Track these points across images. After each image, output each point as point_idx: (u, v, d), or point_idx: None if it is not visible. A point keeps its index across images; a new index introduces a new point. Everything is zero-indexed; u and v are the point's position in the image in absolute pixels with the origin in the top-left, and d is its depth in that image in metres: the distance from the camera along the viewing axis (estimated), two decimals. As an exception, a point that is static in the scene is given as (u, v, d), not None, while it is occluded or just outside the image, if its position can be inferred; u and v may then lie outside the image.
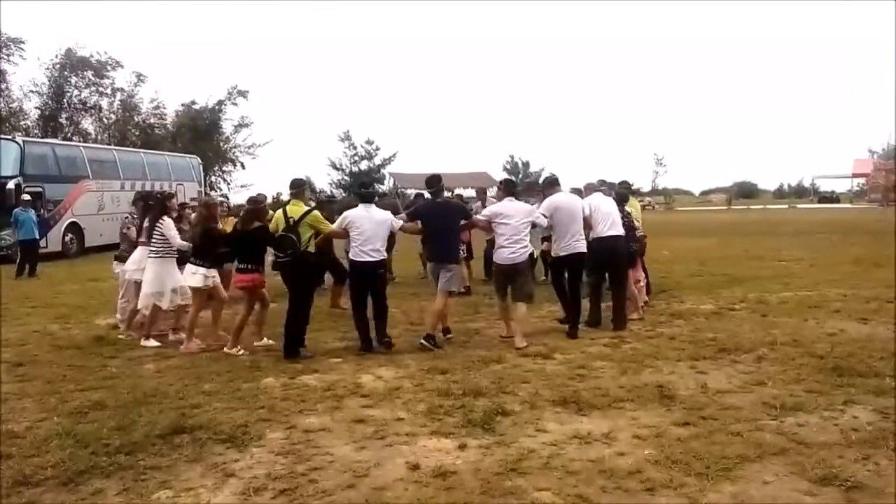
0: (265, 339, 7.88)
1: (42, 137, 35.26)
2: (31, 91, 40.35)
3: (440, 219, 7.86)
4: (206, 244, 7.82)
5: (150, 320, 8.17)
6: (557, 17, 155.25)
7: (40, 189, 20.98)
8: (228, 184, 50.44)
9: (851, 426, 4.75)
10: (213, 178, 47.49)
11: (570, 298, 8.41)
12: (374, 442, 4.73)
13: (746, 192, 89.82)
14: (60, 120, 41.38)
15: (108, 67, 41.79)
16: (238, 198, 46.00)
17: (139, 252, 8.47)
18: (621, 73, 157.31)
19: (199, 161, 33.13)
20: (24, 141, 22.56)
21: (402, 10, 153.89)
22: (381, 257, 7.58)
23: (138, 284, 8.31)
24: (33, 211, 17.54)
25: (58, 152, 24.02)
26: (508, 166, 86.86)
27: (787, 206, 57.22)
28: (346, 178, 73.57)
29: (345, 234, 7.66)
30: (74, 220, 22.65)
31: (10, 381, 6.58)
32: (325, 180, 75.76)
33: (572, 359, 6.87)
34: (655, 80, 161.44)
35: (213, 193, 43.16)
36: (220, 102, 47.63)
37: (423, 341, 7.49)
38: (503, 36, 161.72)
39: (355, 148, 73.06)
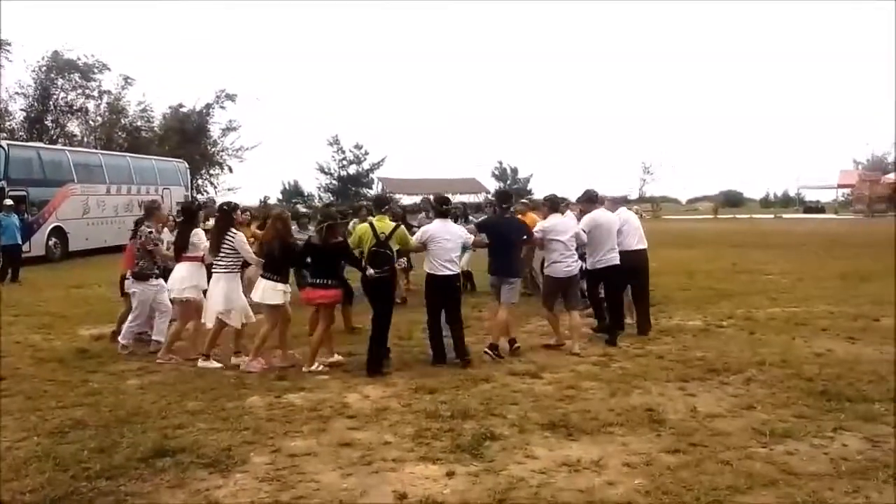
0: (336, 355, 7.71)
1: (28, 139, 34.93)
2: (17, 93, 39.98)
3: (505, 234, 8.05)
4: (285, 259, 7.62)
5: (211, 339, 7.68)
6: (547, 24, 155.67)
7: (24, 193, 20.75)
8: (216, 187, 50.25)
9: (841, 455, 4.73)
10: (200, 182, 47.25)
11: (610, 308, 8.79)
12: (361, 468, 4.66)
13: (733, 200, 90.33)
14: (46, 122, 41.00)
15: (95, 70, 41.45)
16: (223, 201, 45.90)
17: (185, 268, 7.95)
18: (610, 81, 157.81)
19: (186, 165, 32.92)
20: (8, 145, 22.31)
21: (392, 15, 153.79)
22: (458, 270, 7.72)
23: (188, 303, 7.97)
24: (16, 216, 17.34)
25: (42, 156, 23.77)
26: (497, 172, 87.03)
27: (772, 216, 57.56)
28: (334, 182, 73.47)
29: (423, 248, 7.69)
30: (59, 224, 22.42)
31: (-10, 396, 6.46)
32: (313, 184, 75.72)
33: (561, 378, 6.82)
34: (644, 87, 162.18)
35: (200, 197, 42.96)
36: (208, 106, 47.40)
37: (486, 350, 7.70)
38: (492, 42, 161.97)
39: (344, 152, 72.98)
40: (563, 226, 8.24)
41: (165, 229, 8.06)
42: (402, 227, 7.89)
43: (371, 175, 74.34)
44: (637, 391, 6.35)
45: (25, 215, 19.90)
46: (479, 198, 62.58)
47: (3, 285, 15.57)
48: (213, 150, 48.89)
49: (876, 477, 4.36)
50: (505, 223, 8.31)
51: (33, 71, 39.94)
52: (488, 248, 8.10)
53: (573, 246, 8.26)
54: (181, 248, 8.00)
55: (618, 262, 8.58)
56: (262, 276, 7.58)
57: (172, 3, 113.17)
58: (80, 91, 41.80)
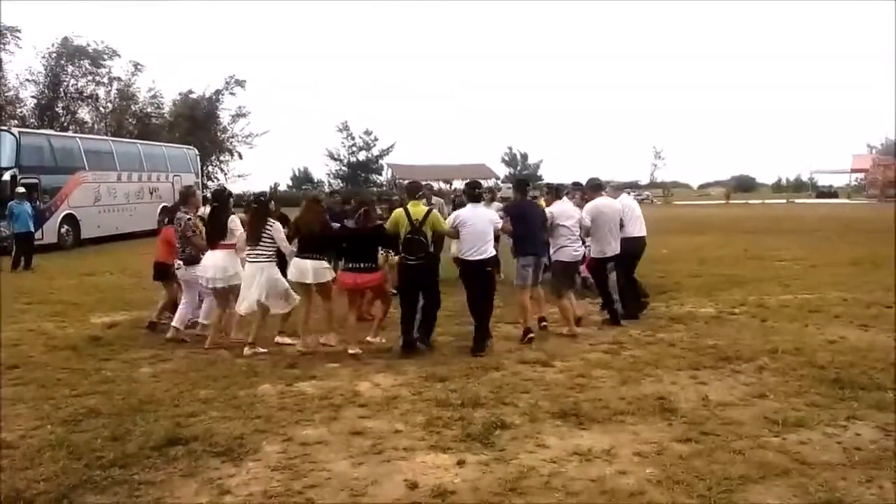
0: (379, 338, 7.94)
1: (38, 126, 35.10)
2: (28, 80, 40.26)
3: (532, 218, 8.20)
4: (323, 240, 7.76)
5: (259, 327, 7.70)
6: (556, 10, 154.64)
7: (36, 180, 20.84)
8: (226, 174, 50.46)
9: (854, 444, 4.70)
10: (210, 168, 47.40)
11: (622, 290, 9.04)
12: (372, 457, 4.67)
13: (745, 185, 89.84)
14: (57, 109, 41.25)
15: (105, 56, 41.69)
16: (234, 188, 46.08)
17: (223, 255, 7.90)
18: (621, 66, 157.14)
19: (196, 152, 32.99)
20: (20, 132, 22.40)
21: (406, 5, 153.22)
22: (492, 254, 7.72)
23: (227, 290, 7.97)
24: (28, 203, 17.40)
25: (54, 143, 23.86)
26: (507, 158, 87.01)
27: (785, 201, 57.17)
28: (343, 168, 73.51)
29: (457, 233, 7.72)
30: (70, 211, 22.51)
31: (4, 384, 6.51)
32: (322, 171, 75.81)
33: (572, 366, 6.80)
34: (655, 73, 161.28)
35: (210, 184, 43.10)
36: (218, 92, 47.66)
37: (540, 326, 8.22)
38: (502, 28, 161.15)
39: (353, 138, 72.98)
40: (569, 211, 8.50)
41: (277, 222, 7.90)
42: (436, 211, 7.95)
43: (380, 161, 74.32)
44: (648, 379, 6.32)
45: (37, 203, 20.00)
46: (489, 183, 62.62)
47: (16, 273, 15.68)
48: (222, 136, 49.10)
49: (889, 466, 4.33)
50: (530, 208, 8.42)
51: (43, 58, 40.16)
52: (516, 233, 8.13)
53: (577, 231, 8.50)
54: (219, 234, 7.93)
55: (618, 249, 8.86)
56: (305, 258, 7.63)
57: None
58: (90, 78, 42.08)
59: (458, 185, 64.29)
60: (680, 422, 5.20)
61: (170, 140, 37.12)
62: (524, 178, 8.77)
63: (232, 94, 47.98)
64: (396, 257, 7.80)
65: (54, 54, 40.20)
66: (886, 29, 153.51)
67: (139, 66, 43.23)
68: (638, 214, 9.43)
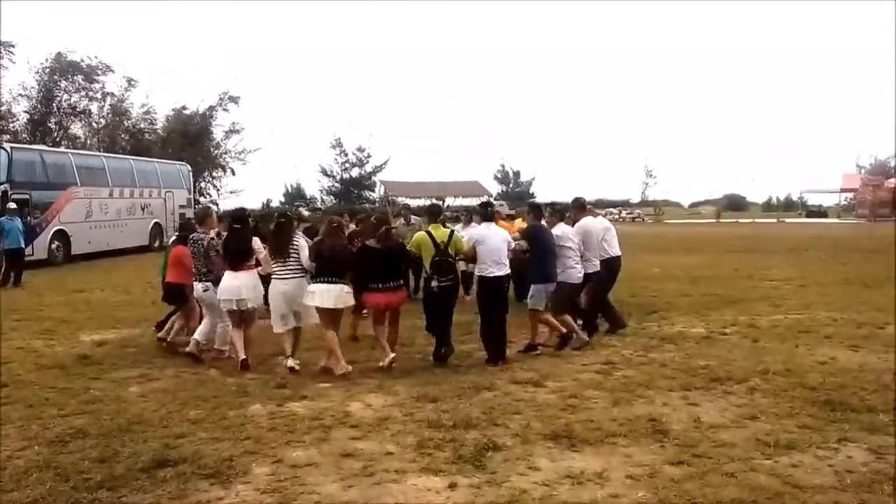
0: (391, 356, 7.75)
1: (31, 142, 34.95)
2: (21, 95, 40.05)
3: (548, 242, 8.31)
4: (345, 263, 7.67)
5: (294, 344, 7.77)
6: (549, 26, 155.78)
7: (27, 196, 20.73)
8: (218, 190, 50.36)
9: (846, 467, 4.69)
10: (202, 184, 47.31)
11: (593, 309, 9.28)
12: (363, 479, 4.63)
13: (735, 204, 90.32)
14: (49, 124, 41.05)
15: (99, 72, 41.53)
16: (227, 204, 46.04)
17: (247, 275, 7.80)
18: (612, 84, 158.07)
19: (189, 168, 32.93)
20: (11, 147, 22.29)
21: (394, 18, 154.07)
22: (508, 271, 7.88)
23: (249, 311, 7.89)
24: (19, 219, 17.31)
25: (46, 159, 23.74)
26: (500, 175, 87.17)
27: (775, 220, 57.50)
28: (336, 184, 73.51)
29: (474, 252, 7.83)
30: (62, 227, 22.37)
31: (-9, 404, 6.44)
32: (315, 187, 75.77)
33: (564, 387, 6.78)
34: (646, 91, 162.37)
35: (202, 200, 43.04)
36: (212, 108, 47.52)
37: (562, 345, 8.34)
38: (495, 45, 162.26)
39: (346, 155, 73.04)
40: (571, 232, 8.66)
41: (303, 238, 7.95)
42: (457, 234, 8.03)
43: (373, 178, 74.38)
44: (640, 400, 6.31)
45: (28, 218, 19.89)
46: (481, 200, 62.72)
47: (6, 289, 15.57)
48: (215, 152, 48.98)
49: (881, 490, 4.32)
50: (545, 232, 8.49)
51: (36, 73, 40.04)
52: (532, 256, 8.20)
53: (579, 252, 8.64)
54: (242, 255, 7.80)
55: (599, 268, 9.06)
56: (325, 281, 7.49)
57: (175, 5, 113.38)
58: (83, 93, 41.91)
59: (451, 202, 64.55)
60: (672, 444, 5.19)
61: (162, 156, 37.00)
62: (537, 204, 8.96)
63: (225, 110, 47.92)
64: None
65: (47, 69, 40.09)
66: (877, 51, 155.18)
67: (133, 82, 43.19)
68: (613, 233, 9.64)
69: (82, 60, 40.75)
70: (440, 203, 10.92)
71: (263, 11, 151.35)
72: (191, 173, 33.08)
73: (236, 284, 7.72)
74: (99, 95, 42.56)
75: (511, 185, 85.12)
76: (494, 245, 7.77)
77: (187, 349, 8.11)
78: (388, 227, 7.95)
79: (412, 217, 13.95)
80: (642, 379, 7.04)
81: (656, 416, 5.81)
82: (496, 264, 7.75)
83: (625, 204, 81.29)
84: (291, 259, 7.62)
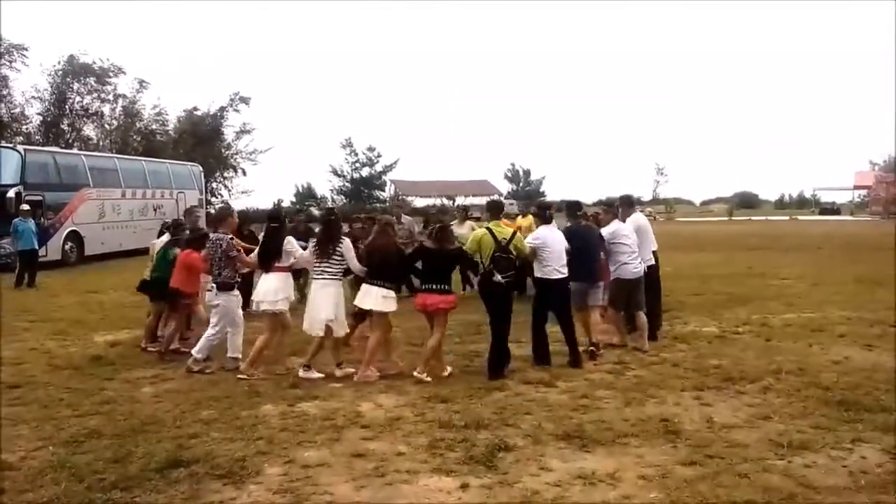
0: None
1: (44, 143, 35.23)
2: (33, 97, 40.49)
3: (589, 241, 8.32)
4: (398, 266, 7.62)
5: (316, 348, 7.46)
6: (560, 25, 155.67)
7: (40, 197, 20.91)
8: (230, 190, 50.61)
9: (860, 468, 4.67)
10: (214, 185, 47.55)
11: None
12: (374, 479, 4.64)
13: (747, 202, 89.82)
14: (62, 126, 41.43)
15: (111, 74, 41.94)
16: (238, 204, 46.20)
17: (277, 278, 7.52)
18: (623, 82, 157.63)
19: (200, 169, 33.10)
20: (25, 149, 22.48)
21: (405, 18, 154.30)
22: (567, 273, 7.83)
23: (278, 315, 7.56)
24: (33, 221, 17.44)
25: (58, 160, 23.94)
26: (510, 174, 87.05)
27: (787, 218, 57.14)
28: (347, 184, 73.68)
29: (534, 253, 7.83)
30: (75, 228, 22.57)
31: (6, 404, 6.49)
32: (326, 187, 75.98)
33: (575, 387, 6.77)
34: (657, 89, 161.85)
35: (213, 200, 43.24)
36: (222, 109, 47.83)
37: (591, 349, 8.06)
38: (505, 43, 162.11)
39: (356, 155, 73.20)
40: (627, 229, 8.66)
41: (348, 240, 7.74)
42: (519, 233, 7.96)
43: (384, 177, 74.51)
44: (652, 401, 6.29)
45: (42, 220, 20.07)
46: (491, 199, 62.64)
47: (20, 290, 15.69)
48: (227, 153, 49.24)
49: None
50: (586, 231, 8.50)
51: (49, 75, 40.42)
52: (572, 255, 8.08)
53: (636, 248, 8.63)
54: (276, 256, 7.57)
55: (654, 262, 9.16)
56: (373, 284, 7.38)
57: (186, 6, 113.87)
58: (95, 95, 42.29)
59: (461, 201, 64.50)
60: (684, 444, 5.17)
61: (174, 157, 37.24)
62: (575, 202, 8.83)
63: (236, 110, 48.21)
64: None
65: (60, 72, 40.46)
66: (889, 47, 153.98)
67: (144, 84, 43.53)
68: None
69: (94, 63, 41.17)
70: (500, 200, 10.82)
71: (273, 12, 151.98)
72: (202, 174, 33.26)
73: (267, 287, 7.52)
74: (111, 97, 42.99)
75: (521, 184, 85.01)
76: (558, 248, 7.81)
77: (193, 368, 7.62)
78: (443, 226, 7.84)
79: (404, 217, 13.89)
80: (654, 379, 7.02)
81: (668, 416, 5.79)
82: (559, 268, 7.76)
83: (636, 202, 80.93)
84: (332, 261, 7.48)
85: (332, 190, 74.96)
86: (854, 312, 10.57)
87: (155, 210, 27.24)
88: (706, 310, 11.17)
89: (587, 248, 8.23)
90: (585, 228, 8.57)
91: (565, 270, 7.81)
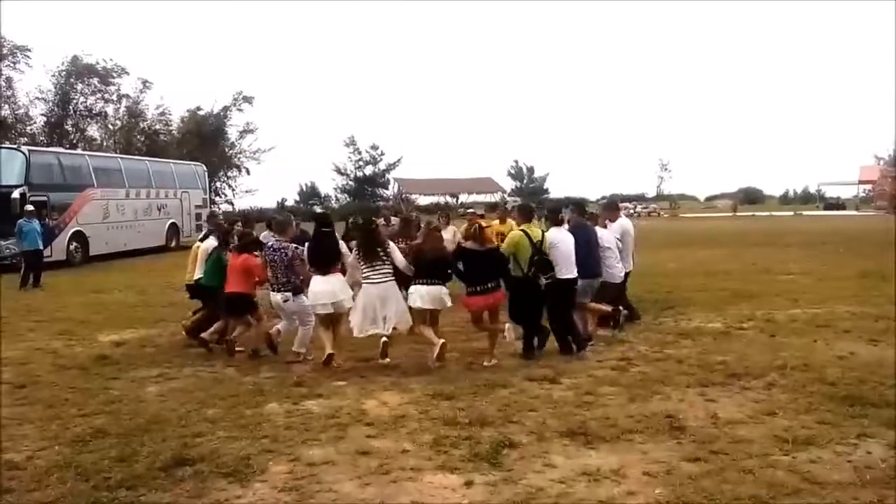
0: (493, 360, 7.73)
1: (48, 144, 35.35)
2: (37, 98, 40.66)
3: (593, 239, 8.52)
4: (445, 265, 7.86)
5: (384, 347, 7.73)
6: (562, 21, 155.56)
7: (45, 198, 20.96)
8: (233, 189, 50.69)
9: (865, 463, 4.65)
10: (218, 184, 47.62)
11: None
12: (379, 477, 4.64)
13: (752, 197, 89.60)
14: (66, 127, 41.59)
15: (114, 74, 42.06)
16: (242, 203, 46.29)
17: (337, 279, 7.82)
18: (626, 78, 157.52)
19: (204, 168, 33.17)
20: (29, 150, 22.56)
21: (408, 15, 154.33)
22: (576, 274, 7.99)
23: (338, 314, 7.85)
24: (37, 221, 17.48)
25: (63, 161, 24.03)
26: (513, 171, 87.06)
27: (792, 213, 57.00)
28: (350, 183, 73.68)
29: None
30: (79, 228, 22.63)
31: (11, 404, 6.52)
32: (329, 185, 76.03)
33: (579, 384, 6.77)
34: (661, 84, 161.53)
35: (217, 200, 43.31)
36: (226, 108, 47.91)
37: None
38: (508, 40, 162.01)
39: (360, 153, 73.15)
40: (612, 233, 8.92)
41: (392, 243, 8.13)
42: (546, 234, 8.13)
43: (387, 176, 74.49)
44: (657, 397, 6.28)
45: (46, 220, 20.10)
46: (495, 197, 62.66)
47: (25, 291, 15.74)
48: (230, 152, 49.30)
49: (901, 486, 4.28)
50: (590, 230, 8.65)
51: (53, 76, 40.55)
52: (578, 254, 8.17)
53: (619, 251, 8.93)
54: (330, 259, 7.83)
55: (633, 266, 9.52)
56: (425, 283, 7.65)
57: (190, 7, 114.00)
58: (99, 95, 42.43)
59: (464, 198, 64.49)
60: (689, 440, 5.16)
61: (178, 156, 37.32)
62: (581, 202, 9.23)
63: (240, 110, 48.29)
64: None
65: (64, 73, 40.60)
66: (892, 42, 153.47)
67: (147, 84, 43.66)
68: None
69: (98, 63, 41.26)
70: (531, 204, 10.88)
71: (277, 11, 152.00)
72: (206, 173, 33.32)
73: (329, 289, 7.73)
74: (115, 97, 43.14)
75: (525, 181, 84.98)
76: (567, 249, 7.92)
77: (291, 362, 7.91)
78: (480, 227, 8.06)
79: (392, 218, 13.86)
80: (659, 375, 7.01)
81: (673, 412, 5.78)
82: (570, 268, 7.89)
83: (640, 198, 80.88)
84: (380, 262, 7.66)
85: (335, 188, 75.07)
86: (859, 308, 10.53)
87: (159, 210, 27.33)
88: (711, 306, 11.14)
89: (591, 247, 8.40)
90: (589, 227, 8.69)
91: (575, 271, 7.91)
